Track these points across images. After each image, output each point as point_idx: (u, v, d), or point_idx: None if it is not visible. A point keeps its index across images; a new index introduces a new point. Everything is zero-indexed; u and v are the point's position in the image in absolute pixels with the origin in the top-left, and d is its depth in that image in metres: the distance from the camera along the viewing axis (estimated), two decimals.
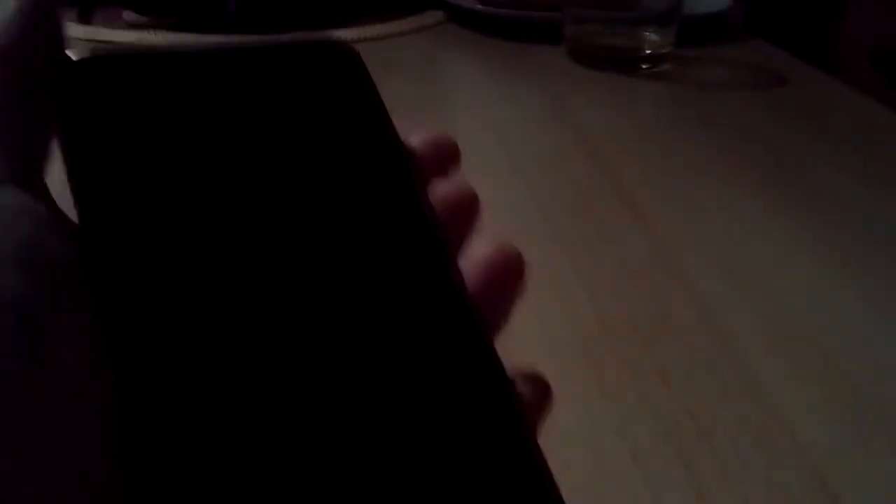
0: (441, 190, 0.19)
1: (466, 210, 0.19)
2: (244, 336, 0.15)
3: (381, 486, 0.14)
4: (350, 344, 0.15)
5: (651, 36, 0.66)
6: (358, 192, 0.18)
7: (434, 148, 0.20)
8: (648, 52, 0.66)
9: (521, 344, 0.30)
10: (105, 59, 0.19)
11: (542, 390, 0.19)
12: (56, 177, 0.17)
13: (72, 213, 0.16)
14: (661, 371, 0.29)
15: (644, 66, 0.66)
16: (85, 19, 0.78)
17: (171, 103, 0.18)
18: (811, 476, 0.24)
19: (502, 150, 0.49)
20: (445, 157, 0.21)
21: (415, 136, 0.20)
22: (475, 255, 0.18)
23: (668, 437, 0.26)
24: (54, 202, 0.16)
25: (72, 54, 0.18)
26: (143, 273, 0.15)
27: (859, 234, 0.39)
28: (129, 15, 0.77)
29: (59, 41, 0.19)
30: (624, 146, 0.50)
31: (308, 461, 0.14)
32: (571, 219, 0.40)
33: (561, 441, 0.26)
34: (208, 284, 0.15)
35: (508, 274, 0.18)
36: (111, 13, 0.79)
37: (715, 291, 0.34)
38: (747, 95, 0.60)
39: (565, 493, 0.23)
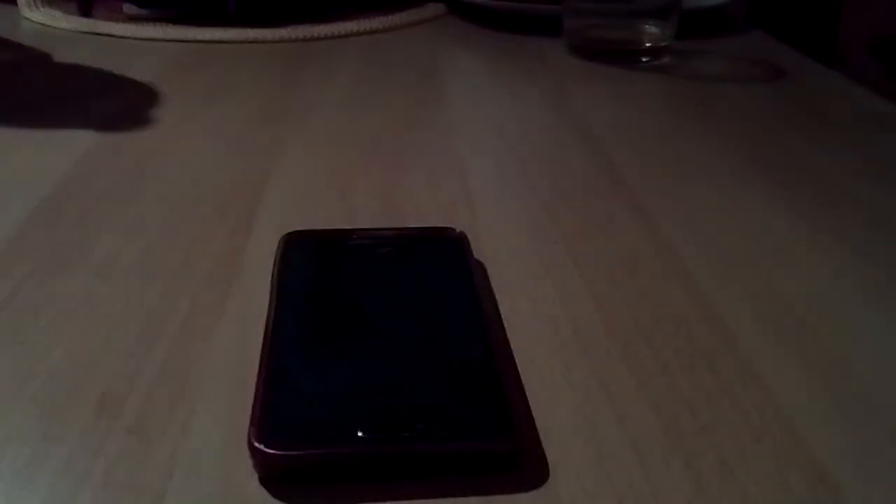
0: None
1: None
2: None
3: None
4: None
5: (651, 29, 0.66)
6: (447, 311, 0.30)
7: None
8: (648, 44, 0.66)
9: (521, 337, 0.30)
10: (302, 233, 0.36)
11: None
12: None
13: None
14: (661, 364, 0.29)
15: (644, 59, 0.66)
16: (85, 12, 0.78)
17: (337, 258, 0.34)
18: (811, 469, 0.25)
19: (502, 142, 0.49)
20: None
21: None
22: None
23: (668, 431, 0.26)
24: None
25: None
26: (303, 332, 0.29)
27: (860, 226, 0.39)
28: (129, 8, 0.77)
29: None
30: (624, 139, 0.50)
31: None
32: (571, 211, 0.41)
33: (560, 435, 0.26)
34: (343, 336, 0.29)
35: None
36: (111, 6, 0.79)
37: (715, 284, 0.34)
38: (747, 88, 0.60)
39: (565, 488, 0.24)
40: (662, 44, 0.66)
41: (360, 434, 0.24)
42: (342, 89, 0.59)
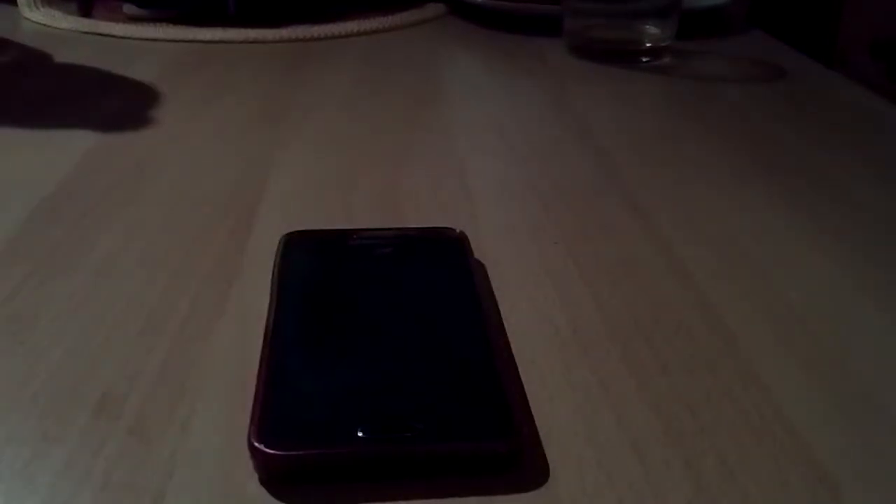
0: None
1: None
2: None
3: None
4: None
5: (651, 29, 0.66)
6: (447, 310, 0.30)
7: None
8: (649, 45, 0.66)
9: (521, 337, 0.30)
10: (302, 233, 0.36)
11: None
12: None
13: None
14: (661, 364, 0.29)
15: (644, 60, 0.66)
16: (85, 12, 0.78)
17: (337, 258, 0.34)
18: (811, 469, 0.25)
19: (503, 142, 0.49)
20: None
21: None
22: None
23: (668, 431, 0.26)
24: None
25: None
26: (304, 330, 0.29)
27: (860, 226, 0.39)
28: (129, 8, 0.77)
29: None
30: (624, 139, 0.50)
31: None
32: (572, 211, 0.41)
33: (560, 435, 0.26)
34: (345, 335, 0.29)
35: None
36: (111, 6, 0.79)
37: (715, 285, 0.34)
38: (747, 88, 0.60)
39: (565, 488, 0.24)
40: (662, 44, 0.66)
41: (360, 434, 0.24)
42: (342, 89, 0.59)
